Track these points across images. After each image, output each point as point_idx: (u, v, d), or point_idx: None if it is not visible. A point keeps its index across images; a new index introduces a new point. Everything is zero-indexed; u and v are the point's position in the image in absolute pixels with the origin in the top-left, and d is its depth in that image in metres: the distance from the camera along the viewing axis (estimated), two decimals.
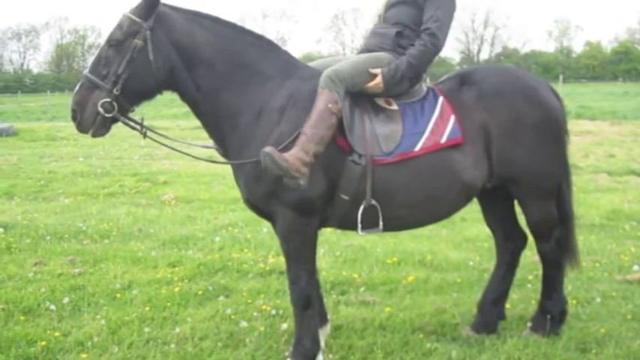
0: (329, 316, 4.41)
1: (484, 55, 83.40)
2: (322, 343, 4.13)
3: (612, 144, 15.82)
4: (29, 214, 8.69)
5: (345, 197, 3.68)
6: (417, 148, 3.72)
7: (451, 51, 79.73)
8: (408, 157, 3.70)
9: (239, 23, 3.92)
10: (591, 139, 16.63)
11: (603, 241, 6.84)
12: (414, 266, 5.99)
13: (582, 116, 22.45)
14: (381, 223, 3.72)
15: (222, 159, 4.01)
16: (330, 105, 3.53)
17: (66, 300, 5.04)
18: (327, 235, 6.78)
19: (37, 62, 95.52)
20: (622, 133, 18.30)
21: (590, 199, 9.12)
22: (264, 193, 3.68)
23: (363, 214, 3.70)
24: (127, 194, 10.43)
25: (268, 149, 3.36)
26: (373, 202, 3.68)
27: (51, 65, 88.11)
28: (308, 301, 3.81)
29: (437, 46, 3.80)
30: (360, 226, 3.71)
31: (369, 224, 3.75)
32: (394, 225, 3.90)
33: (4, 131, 20.68)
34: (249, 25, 3.92)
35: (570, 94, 33.79)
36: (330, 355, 4.10)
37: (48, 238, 7.19)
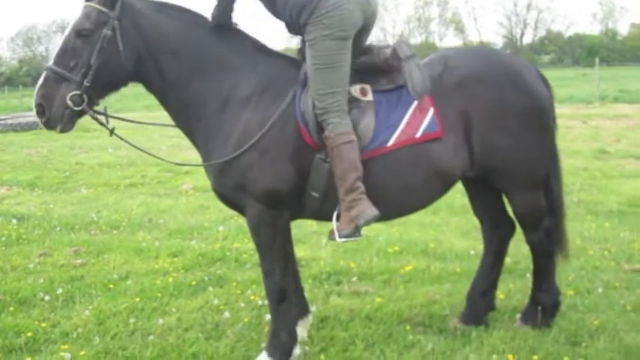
0: (312, 308, 4.35)
1: (527, 39, 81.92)
2: (305, 335, 4.08)
3: None
4: (46, 205, 8.80)
5: (315, 194, 3.59)
6: (390, 143, 3.57)
7: (494, 35, 78.39)
8: (380, 154, 3.58)
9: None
10: (625, 124, 16.15)
11: (617, 228, 6.62)
12: (415, 255, 5.87)
13: (619, 100, 21.83)
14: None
15: None
16: (343, 141, 3.43)
17: (59, 291, 5.06)
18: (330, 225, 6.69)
19: None
20: None
21: (612, 185, 8.87)
22: (232, 186, 3.62)
23: (331, 208, 3.61)
24: (148, 184, 10.48)
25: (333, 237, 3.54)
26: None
27: None
28: (283, 295, 3.74)
29: None
30: (337, 234, 3.56)
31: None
32: None
33: (38, 124, 20.96)
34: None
35: (614, 77, 33.01)
36: (311, 347, 4.03)
37: (58, 229, 7.26)
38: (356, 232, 3.49)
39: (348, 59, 3.56)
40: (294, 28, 3.70)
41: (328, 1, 3.46)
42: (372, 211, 3.46)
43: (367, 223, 3.47)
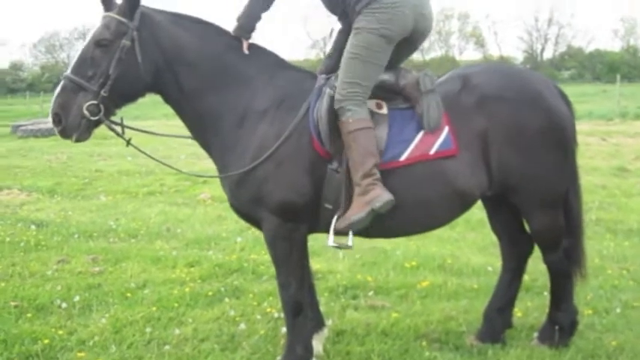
0: (328, 322, 4.35)
1: (548, 55, 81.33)
2: (320, 349, 4.07)
3: None
4: (65, 212, 8.86)
5: (329, 206, 3.59)
6: (403, 157, 3.57)
7: (514, 50, 77.72)
8: (392, 167, 3.57)
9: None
10: None
11: (637, 247, 6.55)
12: (432, 271, 5.84)
13: None
14: (351, 238, 3.59)
15: None
16: (360, 127, 3.44)
17: (77, 298, 5.08)
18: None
19: None
20: None
21: (632, 203, 8.78)
22: (248, 199, 3.64)
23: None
24: (166, 193, 10.50)
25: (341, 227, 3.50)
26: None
27: None
28: (299, 308, 3.74)
29: None
30: (332, 237, 3.56)
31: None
32: (379, 233, 3.82)
33: None
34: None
35: (634, 95, 32.69)
36: None
37: (76, 236, 7.30)
38: (368, 216, 3.44)
39: (384, 60, 3.60)
40: (346, 18, 3.73)
41: None
42: (388, 196, 3.43)
43: (382, 207, 3.41)
